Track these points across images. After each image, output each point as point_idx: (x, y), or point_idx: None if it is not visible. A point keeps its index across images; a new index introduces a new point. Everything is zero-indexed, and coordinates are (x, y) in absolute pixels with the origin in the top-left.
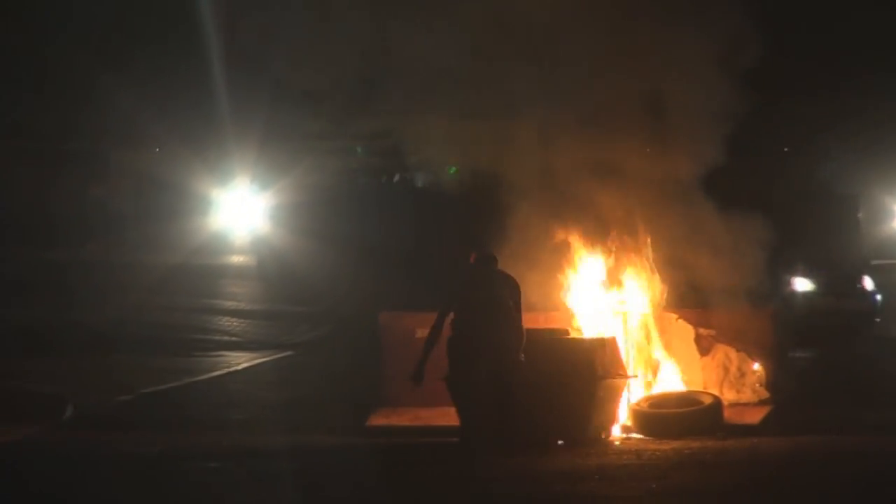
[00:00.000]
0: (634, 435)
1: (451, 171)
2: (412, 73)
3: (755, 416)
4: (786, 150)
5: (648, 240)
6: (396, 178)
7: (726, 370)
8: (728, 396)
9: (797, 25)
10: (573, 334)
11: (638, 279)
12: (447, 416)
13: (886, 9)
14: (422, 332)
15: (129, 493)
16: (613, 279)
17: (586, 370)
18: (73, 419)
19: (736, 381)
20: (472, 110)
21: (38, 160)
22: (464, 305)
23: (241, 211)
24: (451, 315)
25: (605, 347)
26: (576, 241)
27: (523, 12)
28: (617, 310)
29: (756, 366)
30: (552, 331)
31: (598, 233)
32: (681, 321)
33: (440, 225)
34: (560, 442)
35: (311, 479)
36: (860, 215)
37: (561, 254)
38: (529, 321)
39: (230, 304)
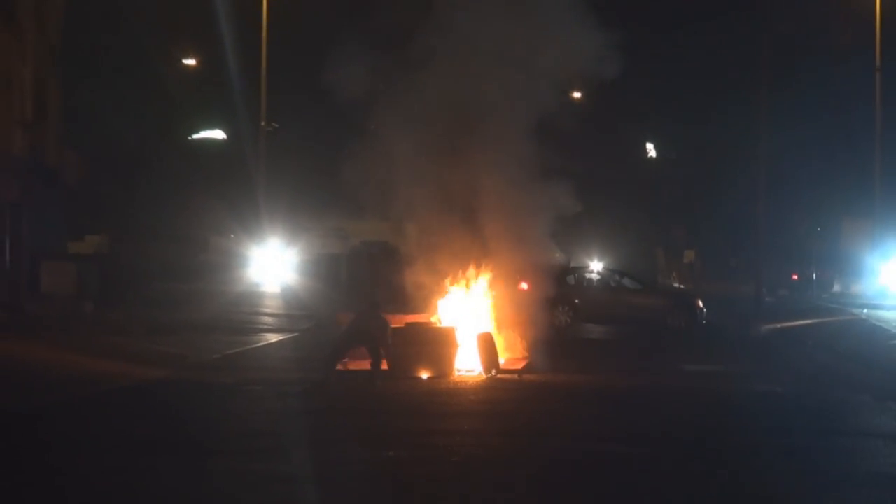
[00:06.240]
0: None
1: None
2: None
3: (520, 365)
4: None
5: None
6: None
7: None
8: (506, 355)
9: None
10: (440, 324)
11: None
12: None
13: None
14: None
15: (217, 403)
16: (453, 301)
17: (446, 340)
18: (189, 366)
19: (511, 347)
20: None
21: (174, 243)
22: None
23: (273, 263)
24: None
25: (454, 330)
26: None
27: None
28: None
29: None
30: (429, 322)
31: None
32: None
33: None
34: (427, 376)
35: (307, 394)
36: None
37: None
38: (414, 318)
39: (268, 310)
